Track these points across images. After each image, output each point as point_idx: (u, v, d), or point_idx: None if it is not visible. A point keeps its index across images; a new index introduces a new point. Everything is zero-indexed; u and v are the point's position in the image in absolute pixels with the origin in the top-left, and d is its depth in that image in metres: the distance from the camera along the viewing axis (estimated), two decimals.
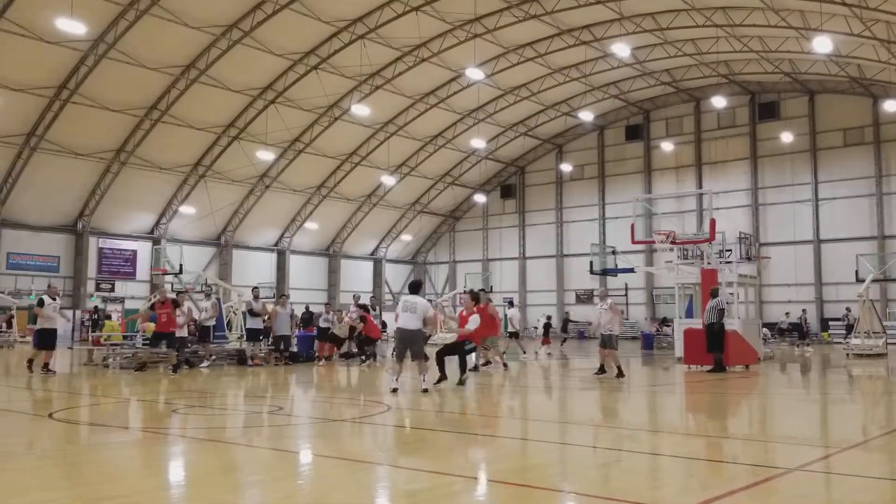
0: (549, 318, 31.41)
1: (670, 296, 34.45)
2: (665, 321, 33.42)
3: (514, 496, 5.54)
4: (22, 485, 5.79)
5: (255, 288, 22.33)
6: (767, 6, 31.52)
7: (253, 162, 40.97)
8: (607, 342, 15.59)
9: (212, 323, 19.64)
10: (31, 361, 16.21)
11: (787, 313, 38.10)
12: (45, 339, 16.07)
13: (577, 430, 9.06)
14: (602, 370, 15.71)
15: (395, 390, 12.01)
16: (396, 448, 7.87)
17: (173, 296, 18.29)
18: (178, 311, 18.39)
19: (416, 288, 13.37)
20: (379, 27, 34.55)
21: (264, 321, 20.01)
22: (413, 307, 12.55)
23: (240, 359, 19.87)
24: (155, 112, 36.18)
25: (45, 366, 15.80)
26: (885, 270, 33.27)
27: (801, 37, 34.08)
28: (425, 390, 12.02)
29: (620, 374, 15.20)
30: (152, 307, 18.01)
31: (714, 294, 17.56)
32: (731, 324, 19.27)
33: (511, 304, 29.39)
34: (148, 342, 20.58)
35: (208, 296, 21.30)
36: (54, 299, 16.61)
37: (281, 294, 21.83)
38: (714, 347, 16.98)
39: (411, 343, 12.66)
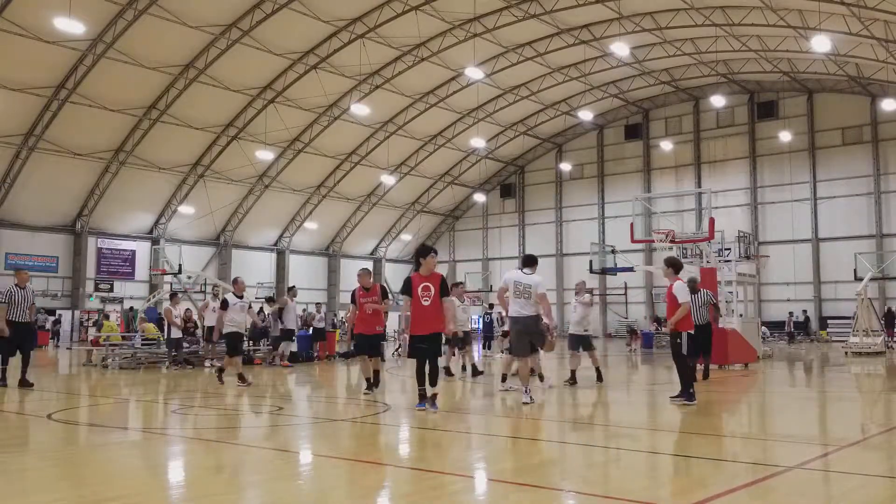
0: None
1: None
2: (660, 320, 33.40)
3: (514, 495, 5.55)
4: (21, 486, 5.79)
5: (293, 287, 21.37)
6: (766, 5, 31.53)
7: (252, 161, 40.96)
8: (586, 343, 13.55)
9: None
10: (221, 371, 14.05)
11: (790, 313, 38.48)
12: (234, 344, 13.97)
13: (575, 430, 9.06)
14: (574, 379, 13.32)
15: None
16: (397, 448, 7.87)
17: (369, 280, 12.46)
18: (175, 312, 18.35)
19: None
20: (378, 26, 34.55)
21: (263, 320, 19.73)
22: None
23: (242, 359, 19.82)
24: (154, 112, 36.16)
25: (240, 376, 13.60)
26: (883, 269, 33.35)
27: (800, 36, 34.11)
28: None
29: (599, 377, 13.57)
30: (353, 297, 12.18)
31: (694, 288, 14.40)
32: (731, 322, 19.32)
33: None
34: (148, 343, 20.62)
35: (216, 296, 21.12)
36: (241, 297, 14.14)
37: (290, 287, 21.25)
38: (707, 350, 14.37)
39: None
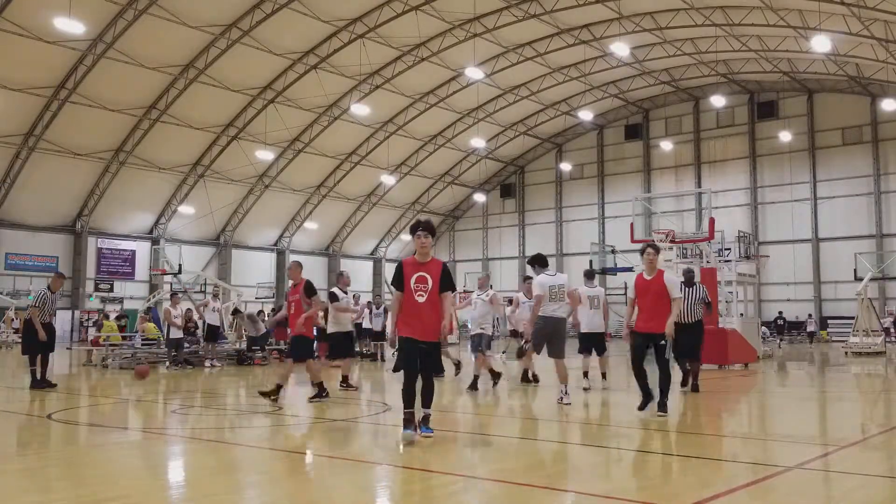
0: None
1: None
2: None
3: (514, 495, 5.54)
4: (21, 486, 5.79)
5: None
6: (766, 5, 31.54)
7: (252, 161, 40.99)
8: (478, 344, 12.49)
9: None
10: (346, 378, 12.97)
11: (809, 315, 38.65)
12: (342, 345, 12.71)
13: (576, 430, 9.06)
14: (475, 385, 12.08)
15: None
16: (396, 448, 7.86)
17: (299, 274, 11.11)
18: (175, 312, 18.26)
19: None
20: (378, 26, 34.57)
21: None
22: None
23: (239, 359, 19.87)
24: (154, 112, 36.17)
25: (345, 379, 12.60)
26: (883, 269, 33.36)
27: (800, 36, 34.13)
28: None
29: (496, 378, 12.47)
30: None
31: (691, 280, 12.49)
32: (731, 322, 19.32)
33: (510, 302, 29.32)
34: (149, 343, 20.59)
35: (216, 296, 21.15)
36: (346, 292, 12.74)
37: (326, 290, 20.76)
38: (697, 353, 12.03)
39: None
